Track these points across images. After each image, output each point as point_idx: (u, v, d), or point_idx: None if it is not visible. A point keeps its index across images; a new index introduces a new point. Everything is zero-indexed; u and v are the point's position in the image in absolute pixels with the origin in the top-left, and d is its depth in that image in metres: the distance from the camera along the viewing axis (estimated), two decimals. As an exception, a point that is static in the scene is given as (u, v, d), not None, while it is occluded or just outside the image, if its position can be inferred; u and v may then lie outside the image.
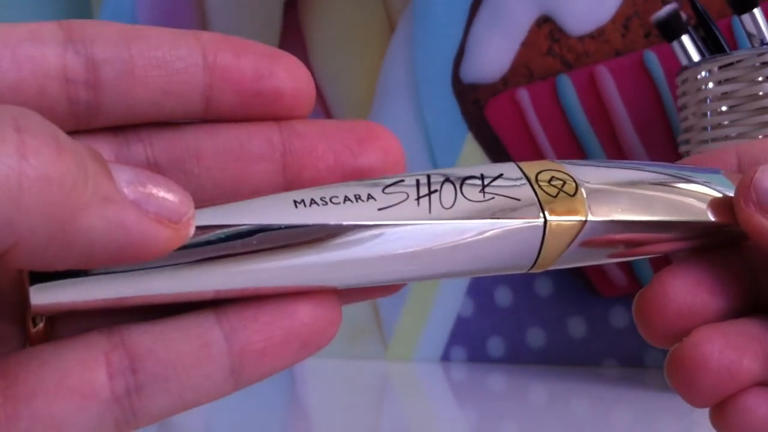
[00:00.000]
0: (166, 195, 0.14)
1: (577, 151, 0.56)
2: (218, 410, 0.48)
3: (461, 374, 0.57)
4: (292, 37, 0.64)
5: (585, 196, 0.18)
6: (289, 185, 0.18)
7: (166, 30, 0.17)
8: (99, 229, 0.13)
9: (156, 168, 0.17)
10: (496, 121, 0.59)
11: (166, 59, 0.16)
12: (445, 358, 0.60)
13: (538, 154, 0.57)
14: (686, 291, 0.20)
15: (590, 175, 0.19)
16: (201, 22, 0.67)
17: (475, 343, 0.59)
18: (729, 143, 0.43)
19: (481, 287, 0.59)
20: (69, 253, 0.13)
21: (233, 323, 0.16)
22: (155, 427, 0.45)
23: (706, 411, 0.20)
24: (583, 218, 0.18)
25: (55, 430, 0.15)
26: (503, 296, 0.58)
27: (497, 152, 0.59)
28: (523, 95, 0.58)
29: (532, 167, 0.19)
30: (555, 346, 0.57)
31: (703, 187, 0.20)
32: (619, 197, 0.19)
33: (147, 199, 0.14)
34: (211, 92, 0.17)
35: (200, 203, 0.16)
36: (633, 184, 0.19)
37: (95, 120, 0.17)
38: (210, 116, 0.18)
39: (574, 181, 0.19)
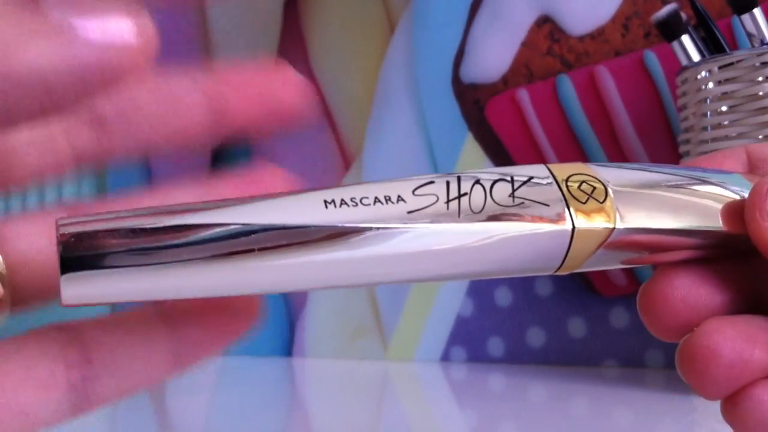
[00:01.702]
0: (109, 17, 0.13)
1: (577, 151, 0.56)
2: (218, 410, 0.48)
3: (461, 374, 0.57)
4: (292, 37, 0.64)
5: (614, 202, 0.18)
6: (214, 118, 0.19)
7: None
8: (45, 66, 0.12)
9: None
10: (496, 121, 0.59)
11: None
12: (445, 358, 0.60)
13: (538, 154, 0.57)
14: (691, 282, 0.20)
15: (618, 179, 0.19)
16: (201, 22, 0.67)
17: (475, 343, 0.59)
18: (732, 144, 0.43)
19: (481, 287, 0.59)
20: (29, 98, 0.12)
21: (176, 320, 0.18)
22: (154, 426, 0.45)
23: (705, 412, 0.20)
24: (612, 225, 0.18)
25: (22, 416, 0.16)
26: (503, 296, 0.58)
27: (497, 152, 0.59)
28: (523, 95, 0.58)
29: (562, 170, 0.18)
30: (555, 346, 0.57)
31: (724, 190, 0.19)
32: (646, 204, 0.19)
33: (88, 23, 0.13)
34: None
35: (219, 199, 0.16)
36: (659, 189, 0.19)
37: None
38: None
39: (604, 187, 0.18)
